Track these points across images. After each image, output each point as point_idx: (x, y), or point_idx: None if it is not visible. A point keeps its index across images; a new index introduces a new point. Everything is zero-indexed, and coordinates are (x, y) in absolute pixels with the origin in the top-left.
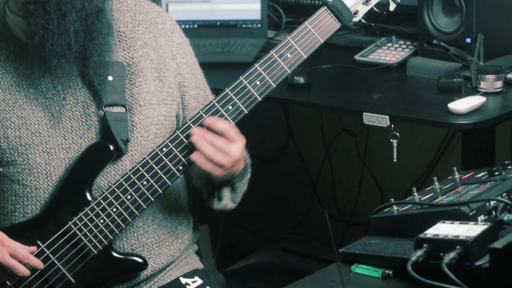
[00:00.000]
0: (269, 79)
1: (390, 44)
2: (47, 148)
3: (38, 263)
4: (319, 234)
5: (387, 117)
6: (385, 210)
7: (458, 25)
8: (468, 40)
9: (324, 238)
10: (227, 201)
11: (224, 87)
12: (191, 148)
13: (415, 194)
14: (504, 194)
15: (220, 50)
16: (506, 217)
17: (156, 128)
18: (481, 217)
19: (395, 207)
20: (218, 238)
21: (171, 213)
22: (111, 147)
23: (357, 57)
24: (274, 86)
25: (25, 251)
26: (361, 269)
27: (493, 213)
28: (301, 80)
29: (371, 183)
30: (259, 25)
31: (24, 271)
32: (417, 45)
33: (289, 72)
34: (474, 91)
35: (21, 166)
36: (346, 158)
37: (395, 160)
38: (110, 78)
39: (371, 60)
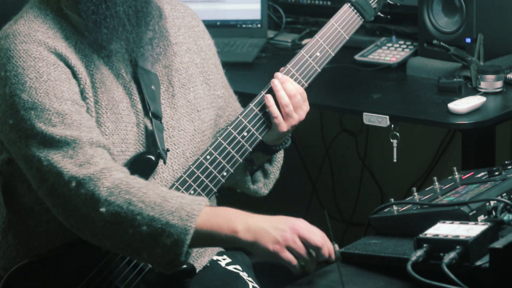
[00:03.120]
0: (301, 79)
1: (390, 44)
2: (128, 155)
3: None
4: None
5: (387, 117)
6: (385, 210)
7: (458, 25)
8: (468, 40)
9: None
10: (261, 185)
11: None
12: (233, 154)
13: (415, 194)
14: (504, 194)
15: (220, 50)
16: (506, 217)
17: (209, 132)
18: (481, 217)
19: (395, 207)
20: None
21: None
22: (153, 158)
23: (357, 57)
24: (306, 85)
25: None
26: None
27: (493, 213)
28: None
29: (371, 183)
30: (259, 25)
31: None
32: (417, 45)
33: (319, 70)
34: (474, 91)
35: None
36: (346, 158)
37: (395, 160)
38: (153, 87)
39: (371, 60)
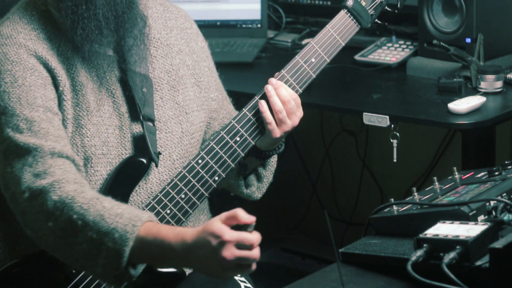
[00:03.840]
0: (296, 85)
1: (390, 44)
2: (110, 158)
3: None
4: (319, 234)
5: (387, 117)
6: (385, 210)
7: (458, 25)
8: (468, 40)
9: (324, 238)
10: (254, 189)
11: (224, 87)
12: (225, 159)
13: (415, 194)
14: (504, 194)
15: (220, 50)
16: (506, 217)
17: (198, 134)
18: (481, 217)
19: (395, 207)
20: None
21: (199, 218)
22: (145, 161)
23: (357, 57)
24: (301, 91)
25: (249, 235)
26: None
27: (493, 213)
28: None
29: (371, 183)
30: (259, 25)
31: (256, 254)
32: (417, 45)
33: (314, 76)
34: (474, 91)
35: (89, 178)
36: (346, 158)
37: (395, 160)
38: (144, 90)
39: (371, 60)
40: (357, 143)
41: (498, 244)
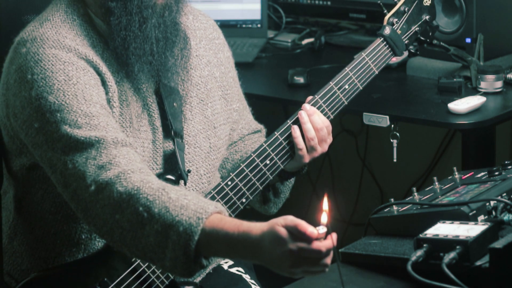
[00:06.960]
0: (328, 111)
1: None
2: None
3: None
4: None
5: (387, 117)
6: (385, 210)
7: (458, 25)
8: (468, 40)
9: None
10: (271, 204)
11: None
12: (254, 182)
13: (415, 194)
14: (504, 194)
15: None
16: (506, 217)
17: (224, 148)
18: (481, 217)
19: (395, 207)
20: None
21: None
22: (174, 178)
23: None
24: (332, 117)
25: (306, 227)
26: None
27: (493, 213)
28: (301, 80)
29: (371, 183)
30: (259, 25)
31: (326, 244)
32: (417, 45)
33: (346, 103)
34: (474, 91)
35: None
36: (346, 158)
37: (395, 160)
38: (175, 104)
39: None
40: (357, 143)
41: (498, 244)
